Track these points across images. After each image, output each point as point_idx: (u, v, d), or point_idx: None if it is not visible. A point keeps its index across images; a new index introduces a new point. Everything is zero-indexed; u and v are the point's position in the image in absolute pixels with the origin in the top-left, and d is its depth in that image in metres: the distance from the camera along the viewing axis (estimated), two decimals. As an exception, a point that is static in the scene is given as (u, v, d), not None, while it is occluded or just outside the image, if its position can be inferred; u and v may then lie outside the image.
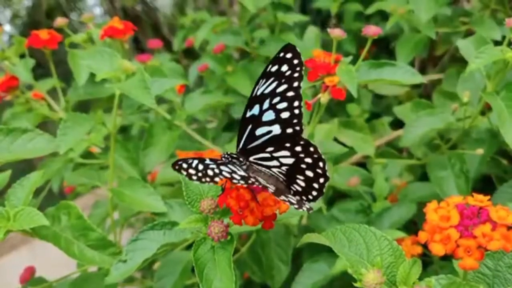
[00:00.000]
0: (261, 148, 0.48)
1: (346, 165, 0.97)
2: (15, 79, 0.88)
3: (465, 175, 0.79)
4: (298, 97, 0.46)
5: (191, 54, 1.65)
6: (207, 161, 0.43)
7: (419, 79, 0.66)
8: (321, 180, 0.46)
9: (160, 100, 1.11)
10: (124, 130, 1.23)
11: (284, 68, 0.46)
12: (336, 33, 0.63)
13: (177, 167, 0.42)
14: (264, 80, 0.47)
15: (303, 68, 0.46)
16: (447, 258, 0.41)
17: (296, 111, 0.47)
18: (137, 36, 2.24)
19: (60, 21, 0.91)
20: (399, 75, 0.66)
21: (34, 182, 0.62)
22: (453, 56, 1.19)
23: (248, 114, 0.48)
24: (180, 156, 0.93)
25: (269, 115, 0.47)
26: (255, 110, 0.47)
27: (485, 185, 0.95)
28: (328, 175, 0.47)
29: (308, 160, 0.46)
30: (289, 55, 0.46)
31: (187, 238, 0.58)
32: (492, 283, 0.46)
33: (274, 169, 0.48)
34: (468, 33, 1.01)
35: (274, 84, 0.46)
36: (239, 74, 1.09)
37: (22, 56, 0.89)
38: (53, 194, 1.11)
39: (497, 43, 0.73)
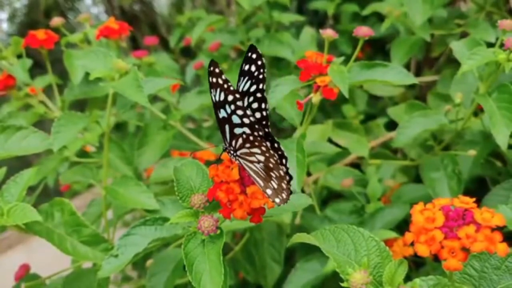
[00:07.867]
0: (241, 144, 0.47)
1: (340, 166, 0.97)
2: (12, 78, 0.89)
3: (457, 177, 0.79)
4: (264, 99, 0.48)
5: (188, 53, 1.66)
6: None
7: (412, 80, 0.66)
8: (286, 179, 0.46)
9: (155, 98, 1.11)
10: (120, 126, 1.24)
11: (253, 68, 0.47)
12: (327, 33, 0.63)
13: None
14: (242, 78, 0.48)
15: (265, 70, 0.47)
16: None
17: (264, 113, 0.48)
18: (135, 36, 2.24)
19: (56, 21, 0.91)
20: (391, 76, 0.65)
21: (28, 178, 0.63)
22: (449, 58, 1.19)
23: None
24: (174, 156, 0.93)
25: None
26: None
27: (479, 187, 0.95)
28: (291, 174, 0.47)
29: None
30: (254, 56, 0.46)
31: (178, 234, 0.58)
32: (479, 285, 0.47)
33: (255, 165, 0.47)
34: (463, 35, 1.02)
35: (248, 84, 0.47)
36: (234, 72, 1.09)
37: (19, 56, 0.89)
38: (49, 193, 1.11)
39: (491, 45, 0.73)
